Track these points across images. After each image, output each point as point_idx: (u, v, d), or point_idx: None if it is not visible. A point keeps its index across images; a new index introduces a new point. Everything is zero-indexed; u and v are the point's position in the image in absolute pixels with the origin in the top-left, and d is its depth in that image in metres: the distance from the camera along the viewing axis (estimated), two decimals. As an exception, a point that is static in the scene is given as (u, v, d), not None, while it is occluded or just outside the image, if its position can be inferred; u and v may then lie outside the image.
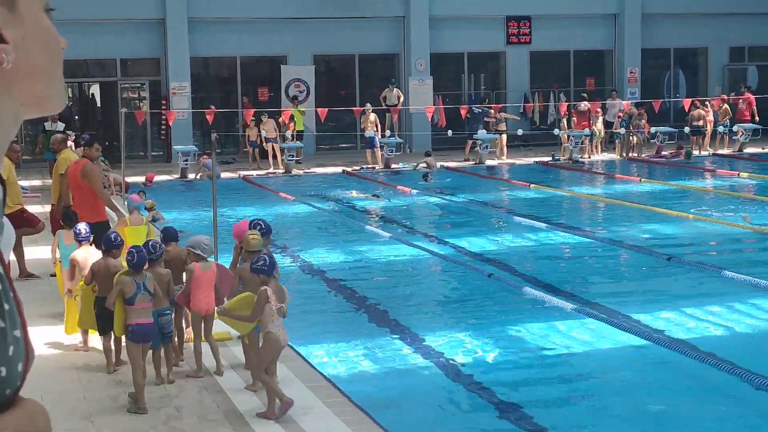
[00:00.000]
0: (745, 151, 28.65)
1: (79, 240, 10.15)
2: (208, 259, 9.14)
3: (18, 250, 12.93)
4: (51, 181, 14.85)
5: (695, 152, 28.06)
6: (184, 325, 9.42)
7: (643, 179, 23.83)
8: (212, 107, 27.71)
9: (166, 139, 29.82)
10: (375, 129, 27.51)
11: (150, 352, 8.57)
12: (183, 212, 19.66)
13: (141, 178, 23.79)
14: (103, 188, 12.95)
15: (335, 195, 22.09)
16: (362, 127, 28.15)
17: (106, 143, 26.81)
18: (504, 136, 28.27)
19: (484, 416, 8.33)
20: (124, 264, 8.60)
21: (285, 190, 22.71)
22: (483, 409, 8.47)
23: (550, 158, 27.89)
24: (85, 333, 9.72)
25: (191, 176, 25.48)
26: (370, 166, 27.05)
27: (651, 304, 11.78)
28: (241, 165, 27.97)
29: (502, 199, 21.68)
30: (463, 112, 28.34)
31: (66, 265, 10.37)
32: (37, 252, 14.03)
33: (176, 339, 9.28)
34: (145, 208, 15.78)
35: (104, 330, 8.96)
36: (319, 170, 26.95)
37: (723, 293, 12.14)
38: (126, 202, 14.24)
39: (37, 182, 24.02)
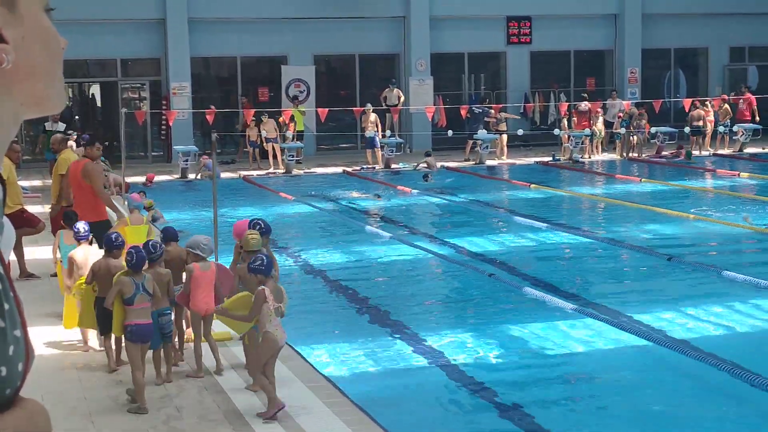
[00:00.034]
0: (746, 151, 28.65)
1: (78, 238, 10.16)
2: (208, 259, 9.14)
3: (18, 250, 12.93)
4: (51, 181, 14.84)
5: (695, 152, 28.05)
6: (184, 326, 9.42)
7: (643, 179, 23.83)
8: (212, 107, 27.71)
9: (166, 139, 29.82)
10: (375, 129, 27.51)
11: (151, 352, 8.59)
12: (183, 212, 19.66)
13: (141, 179, 23.78)
14: (104, 188, 12.94)
15: (336, 195, 22.10)
16: (362, 127, 28.15)
17: (107, 143, 26.79)
18: (504, 136, 28.27)
19: (484, 416, 8.33)
20: (125, 264, 8.60)
21: (285, 190, 22.71)
22: (483, 408, 8.47)
23: (551, 158, 27.89)
24: (85, 332, 9.72)
25: (191, 176, 25.48)
26: (370, 166, 27.05)
27: (651, 304, 11.78)
28: (242, 165, 27.97)
29: (503, 199, 21.68)
30: (463, 113, 28.34)
31: (66, 265, 10.38)
32: (38, 252, 14.03)
33: (176, 339, 9.30)
34: (144, 208, 15.78)
35: (105, 330, 8.97)
36: (320, 170, 26.95)
37: (723, 293, 12.15)
38: (126, 202, 14.24)
39: (37, 182, 24.02)
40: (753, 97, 30.03)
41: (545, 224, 17.38)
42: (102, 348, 9.36)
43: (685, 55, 34.92)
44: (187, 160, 25.56)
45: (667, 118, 31.97)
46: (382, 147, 27.22)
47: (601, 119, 28.71)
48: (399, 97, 29.99)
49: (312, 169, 27.03)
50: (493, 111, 28.45)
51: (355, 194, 22.07)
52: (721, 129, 29.10)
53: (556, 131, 29.10)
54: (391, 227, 17.74)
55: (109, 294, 8.42)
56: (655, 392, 8.72)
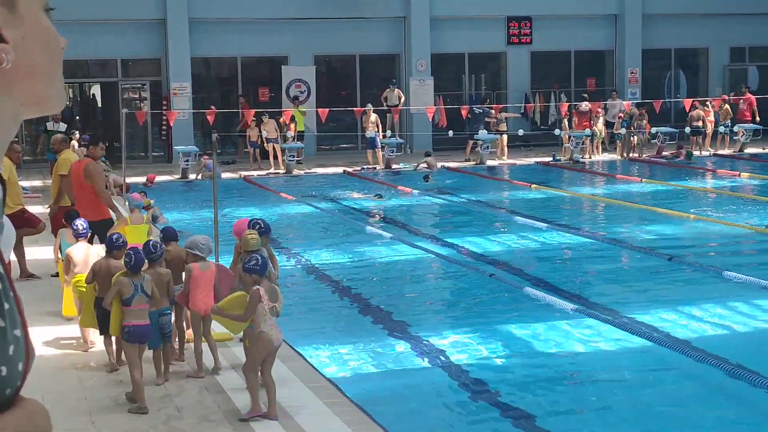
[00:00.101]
0: (746, 151, 28.66)
1: (77, 235, 10.17)
2: (207, 259, 9.14)
3: (19, 250, 12.93)
4: (51, 181, 14.84)
5: (696, 152, 28.05)
6: (184, 326, 9.42)
7: (643, 179, 23.82)
8: (213, 108, 27.71)
9: (166, 139, 29.83)
10: (376, 129, 27.52)
11: (151, 352, 8.59)
12: (184, 213, 19.66)
13: (142, 179, 23.79)
14: (105, 188, 12.95)
15: (336, 195, 22.09)
16: (363, 127, 28.15)
17: (107, 144, 26.79)
18: (505, 137, 28.27)
19: (484, 416, 8.33)
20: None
21: (286, 190, 22.72)
22: (484, 408, 8.46)
23: (551, 158, 27.89)
24: (85, 332, 9.71)
25: (192, 177, 25.48)
26: (371, 166, 27.05)
27: (652, 304, 11.78)
28: (242, 165, 27.97)
29: (503, 199, 21.68)
30: (463, 113, 28.36)
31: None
32: (38, 252, 14.03)
33: (176, 339, 9.30)
34: (143, 207, 15.79)
35: (104, 330, 8.97)
36: (320, 170, 26.95)
37: (724, 293, 12.14)
38: (127, 202, 14.25)
39: (38, 182, 24.02)
40: (753, 98, 30.03)
41: (546, 224, 17.38)
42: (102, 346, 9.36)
43: (685, 56, 34.91)
44: (187, 161, 25.56)
45: (668, 118, 31.98)
46: (382, 147, 27.22)
47: (601, 119, 28.70)
48: (399, 98, 30.00)
49: (312, 170, 27.04)
50: (493, 111, 28.45)
51: (355, 195, 22.07)
52: (721, 129, 29.10)
53: (557, 131, 29.11)
54: (391, 227, 17.74)
55: (107, 294, 8.43)
56: (656, 392, 8.72)
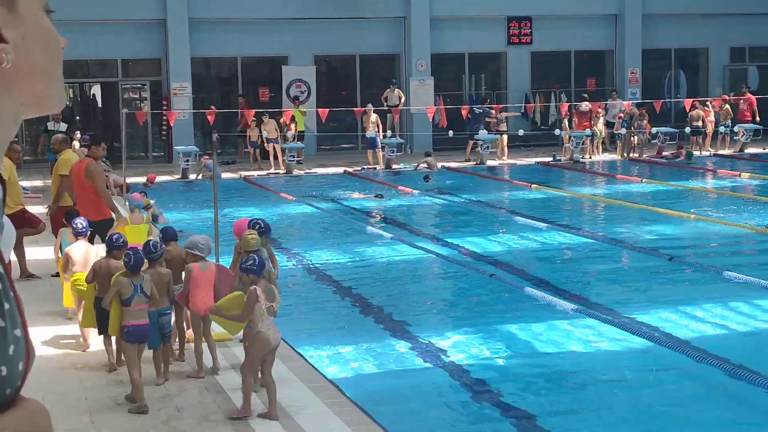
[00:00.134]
0: (746, 151, 28.66)
1: (77, 234, 10.17)
2: (207, 258, 9.14)
3: (19, 250, 12.93)
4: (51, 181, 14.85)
5: (696, 152, 28.05)
6: (185, 326, 9.42)
7: (644, 180, 23.82)
8: (213, 108, 27.71)
9: (167, 139, 29.83)
10: (376, 129, 27.52)
11: (151, 352, 8.59)
12: (184, 213, 19.66)
13: (142, 179, 23.79)
14: (106, 188, 12.96)
15: (336, 195, 22.10)
16: (363, 127, 28.15)
17: (108, 144, 26.79)
18: (505, 137, 28.26)
19: (485, 416, 8.33)
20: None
21: (286, 190, 22.72)
22: (484, 409, 8.47)
23: (551, 159, 27.88)
24: (86, 332, 9.71)
25: (192, 177, 25.48)
26: (371, 166, 27.05)
27: (653, 304, 11.78)
28: (242, 165, 27.97)
29: (504, 199, 21.68)
30: (464, 113, 28.35)
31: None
32: (38, 252, 14.03)
33: (177, 339, 9.30)
34: (143, 207, 15.79)
35: (103, 329, 8.97)
36: (320, 171, 26.95)
37: (724, 293, 12.15)
38: (127, 202, 14.25)
39: (38, 182, 24.02)
40: (753, 98, 30.03)
41: (546, 225, 17.38)
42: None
43: (685, 56, 34.91)
44: (188, 161, 25.57)
45: (668, 118, 31.98)
46: (382, 147, 27.22)
47: (601, 119, 28.69)
48: (400, 98, 30.00)
49: (313, 170, 27.04)
50: (493, 111, 28.45)
51: (356, 195, 22.07)
52: (722, 129, 29.10)
53: (557, 131, 29.11)
54: (392, 228, 17.74)
55: (107, 294, 8.43)
56: (656, 392, 8.72)
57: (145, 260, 8.54)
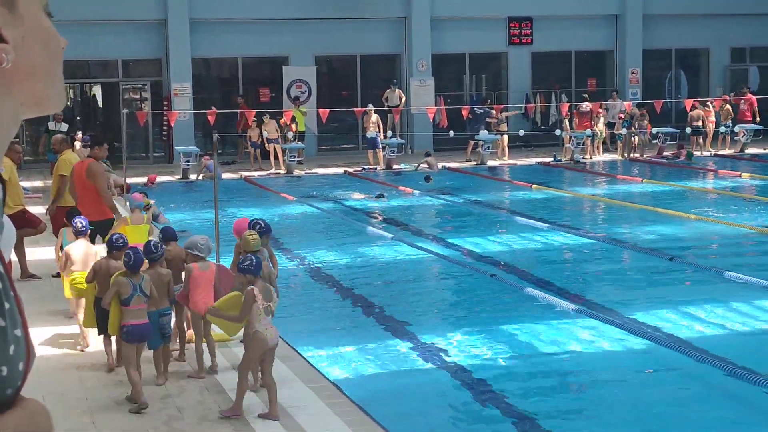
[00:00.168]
0: (747, 151, 28.65)
1: (77, 233, 10.17)
2: (207, 259, 9.14)
3: (20, 250, 12.94)
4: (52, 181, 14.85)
5: (696, 153, 28.05)
6: (185, 326, 9.42)
7: (644, 180, 23.82)
8: (213, 108, 27.71)
9: (167, 140, 29.84)
10: (377, 130, 27.52)
11: (152, 352, 8.59)
12: (185, 213, 19.66)
13: (143, 179, 23.79)
14: (107, 188, 12.95)
15: (337, 196, 22.10)
16: (364, 127, 28.15)
17: (110, 144, 26.79)
18: (505, 137, 28.26)
19: (485, 416, 8.33)
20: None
21: (286, 190, 22.72)
22: (484, 409, 8.47)
23: (552, 159, 27.88)
24: (86, 332, 9.71)
25: (193, 177, 25.48)
26: (371, 166, 27.05)
27: (653, 304, 11.78)
28: (243, 166, 27.97)
29: (504, 199, 21.68)
30: (464, 113, 28.35)
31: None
32: (39, 253, 14.03)
33: (177, 339, 9.30)
34: (143, 207, 15.79)
35: (103, 329, 8.97)
36: (321, 171, 26.95)
37: (725, 294, 12.15)
38: (127, 202, 14.25)
39: (38, 183, 24.03)
40: (754, 98, 30.03)
41: (547, 225, 17.38)
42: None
43: (686, 56, 34.91)
44: (188, 161, 25.57)
45: (669, 118, 31.98)
46: (383, 147, 27.22)
47: (602, 120, 28.70)
48: (400, 98, 30.00)
49: (313, 170, 27.04)
50: (494, 111, 28.45)
51: (356, 195, 22.06)
52: (722, 129, 29.10)
53: (558, 132, 29.10)
54: (392, 228, 17.74)
55: (106, 294, 8.44)
56: (656, 392, 8.72)
57: (146, 260, 8.54)
